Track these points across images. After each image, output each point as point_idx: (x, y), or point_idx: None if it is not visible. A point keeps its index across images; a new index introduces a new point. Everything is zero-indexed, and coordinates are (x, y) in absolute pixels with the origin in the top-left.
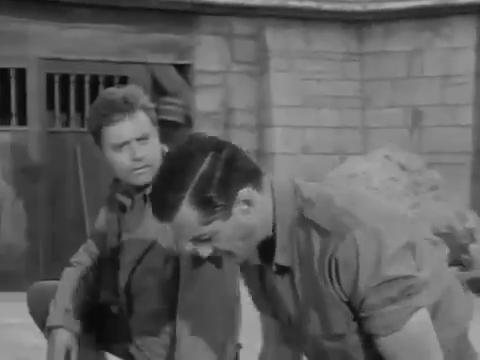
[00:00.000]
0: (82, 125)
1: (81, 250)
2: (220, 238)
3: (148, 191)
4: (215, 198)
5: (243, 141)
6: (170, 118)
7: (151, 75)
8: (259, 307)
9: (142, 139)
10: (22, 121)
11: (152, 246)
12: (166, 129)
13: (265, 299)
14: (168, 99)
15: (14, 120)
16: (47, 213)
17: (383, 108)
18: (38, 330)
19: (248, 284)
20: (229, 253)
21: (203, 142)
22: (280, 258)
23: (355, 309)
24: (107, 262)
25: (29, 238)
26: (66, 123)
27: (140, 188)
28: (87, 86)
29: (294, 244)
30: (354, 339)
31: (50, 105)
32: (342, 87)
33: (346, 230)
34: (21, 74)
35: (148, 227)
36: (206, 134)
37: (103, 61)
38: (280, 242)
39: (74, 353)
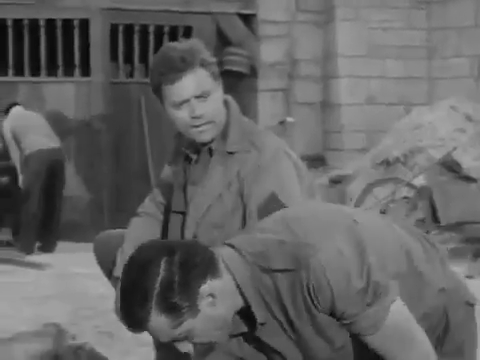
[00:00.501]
0: (146, 76)
1: (147, 200)
2: (195, 334)
3: (214, 145)
4: (179, 301)
5: (308, 92)
6: (235, 68)
7: (216, 25)
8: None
9: (202, 96)
10: (85, 72)
11: (217, 200)
12: (231, 79)
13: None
14: (233, 49)
15: (77, 71)
16: (111, 164)
17: (449, 58)
18: (104, 280)
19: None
20: (209, 343)
21: (154, 249)
22: (260, 317)
23: (338, 318)
24: (172, 214)
25: (93, 189)
26: (130, 74)
27: (204, 143)
28: (151, 37)
29: (263, 297)
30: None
31: (114, 56)
32: (408, 36)
33: (309, 258)
34: (84, 25)
35: (213, 181)
36: (156, 241)
37: (167, 11)
38: (254, 304)
39: None
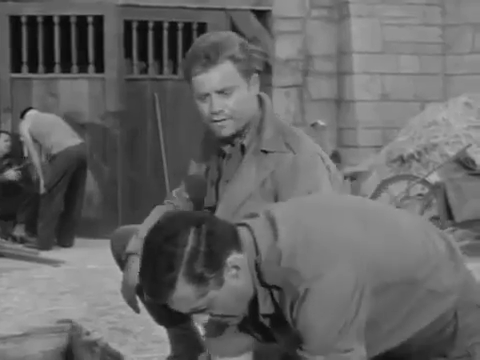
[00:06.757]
0: (160, 72)
1: (174, 193)
2: (216, 305)
3: (246, 141)
4: (206, 272)
5: (322, 89)
6: None
7: (230, 21)
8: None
9: (223, 92)
10: (99, 69)
11: (248, 198)
12: None
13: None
14: None
15: (91, 68)
16: (125, 161)
17: (464, 54)
18: (117, 275)
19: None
20: (226, 316)
21: (182, 219)
22: (263, 308)
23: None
24: (204, 209)
25: (108, 186)
26: (144, 70)
27: (234, 138)
28: (165, 33)
29: (268, 296)
30: None
31: (128, 52)
32: (423, 33)
33: (297, 287)
34: (98, 21)
35: (245, 179)
36: (182, 211)
37: (181, 7)
38: (260, 294)
39: None
